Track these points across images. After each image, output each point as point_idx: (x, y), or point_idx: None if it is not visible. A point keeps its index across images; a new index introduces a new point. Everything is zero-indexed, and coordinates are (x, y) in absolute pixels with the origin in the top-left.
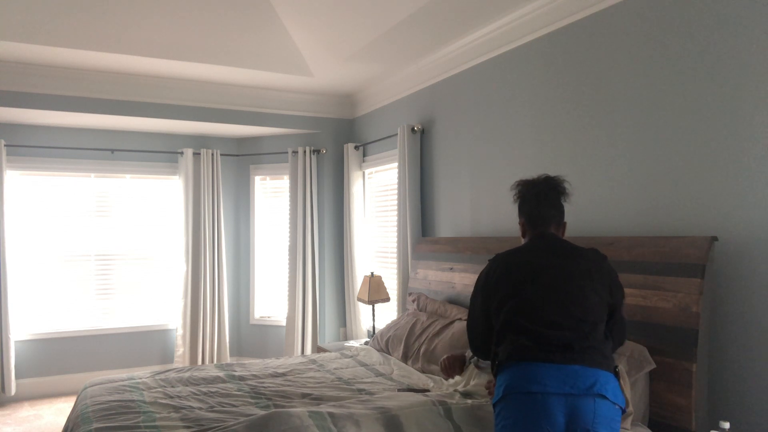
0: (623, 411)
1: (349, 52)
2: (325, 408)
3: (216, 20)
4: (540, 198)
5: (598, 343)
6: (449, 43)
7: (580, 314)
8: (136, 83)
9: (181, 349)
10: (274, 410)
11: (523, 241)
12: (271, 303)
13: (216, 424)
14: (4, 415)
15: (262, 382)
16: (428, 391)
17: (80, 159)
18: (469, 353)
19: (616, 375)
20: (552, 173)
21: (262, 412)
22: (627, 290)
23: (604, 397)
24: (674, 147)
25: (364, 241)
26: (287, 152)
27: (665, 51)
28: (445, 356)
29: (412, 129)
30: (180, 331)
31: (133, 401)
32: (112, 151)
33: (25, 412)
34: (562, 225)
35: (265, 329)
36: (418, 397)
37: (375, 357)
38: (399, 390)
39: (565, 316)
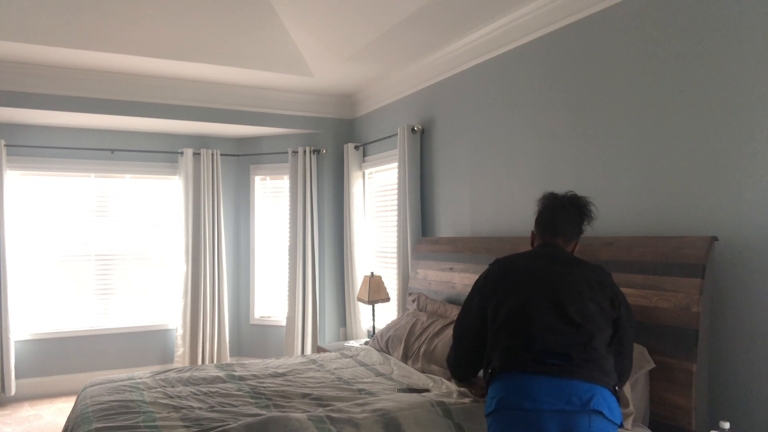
0: (620, 426)
1: (349, 52)
2: (324, 411)
3: (216, 20)
4: (557, 210)
5: (597, 356)
6: (449, 43)
7: (579, 320)
8: (136, 83)
9: (181, 349)
10: (273, 414)
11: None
12: (271, 303)
13: (216, 424)
14: (4, 415)
15: (262, 382)
16: (428, 390)
17: (80, 159)
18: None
19: (615, 393)
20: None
21: (262, 412)
22: (627, 290)
23: (600, 413)
24: (674, 147)
25: (364, 241)
26: (287, 152)
27: (665, 51)
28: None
29: (412, 129)
30: (180, 331)
31: (133, 401)
32: (112, 151)
33: (25, 412)
34: (573, 242)
35: (265, 329)
36: (416, 398)
37: (375, 357)
38: (399, 390)
39: (563, 321)
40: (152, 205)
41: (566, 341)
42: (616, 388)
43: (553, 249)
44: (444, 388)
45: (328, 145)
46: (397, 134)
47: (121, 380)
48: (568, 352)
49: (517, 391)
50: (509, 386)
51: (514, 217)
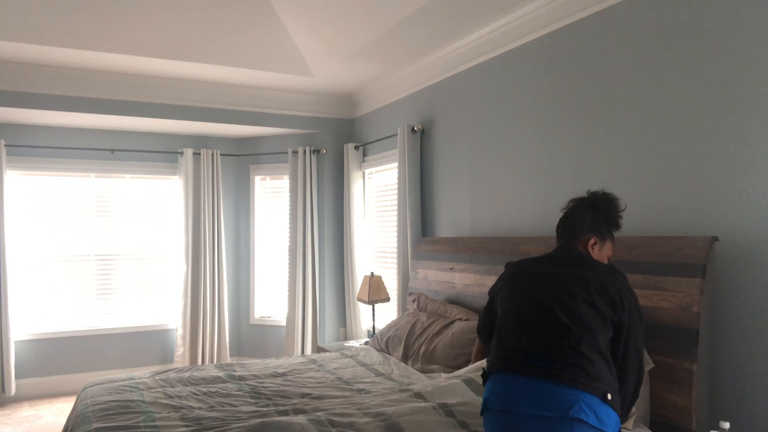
0: None
1: (349, 52)
2: (324, 416)
3: (216, 20)
4: (567, 211)
5: (583, 360)
6: (449, 43)
7: (567, 321)
8: (136, 83)
9: (181, 349)
10: (272, 419)
11: None
12: (271, 303)
13: (216, 424)
14: (4, 415)
15: (262, 382)
16: None
17: (80, 159)
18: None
19: (605, 400)
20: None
21: (261, 410)
22: None
23: (583, 422)
24: (675, 147)
25: (364, 241)
26: (287, 152)
27: (665, 51)
28: None
29: (412, 129)
30: (180, 331)
31: (133, 401)
32: (112, 151)
33: (25, 412)
34: (582, 238)
35: (265, 329)
36: (417, 402)
37: (375, 357)
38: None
39: (548, 322)
40: (152, 205)
41: (549, 343)
42: (608, 396)
43: (560, 251)
44: (444, 380)
45: (328, 145)
46: (397, 134)
47: (121, 380)
48: (549, 354)
49: (499, 393)
50: (494, 387)
51: (514, 217)
